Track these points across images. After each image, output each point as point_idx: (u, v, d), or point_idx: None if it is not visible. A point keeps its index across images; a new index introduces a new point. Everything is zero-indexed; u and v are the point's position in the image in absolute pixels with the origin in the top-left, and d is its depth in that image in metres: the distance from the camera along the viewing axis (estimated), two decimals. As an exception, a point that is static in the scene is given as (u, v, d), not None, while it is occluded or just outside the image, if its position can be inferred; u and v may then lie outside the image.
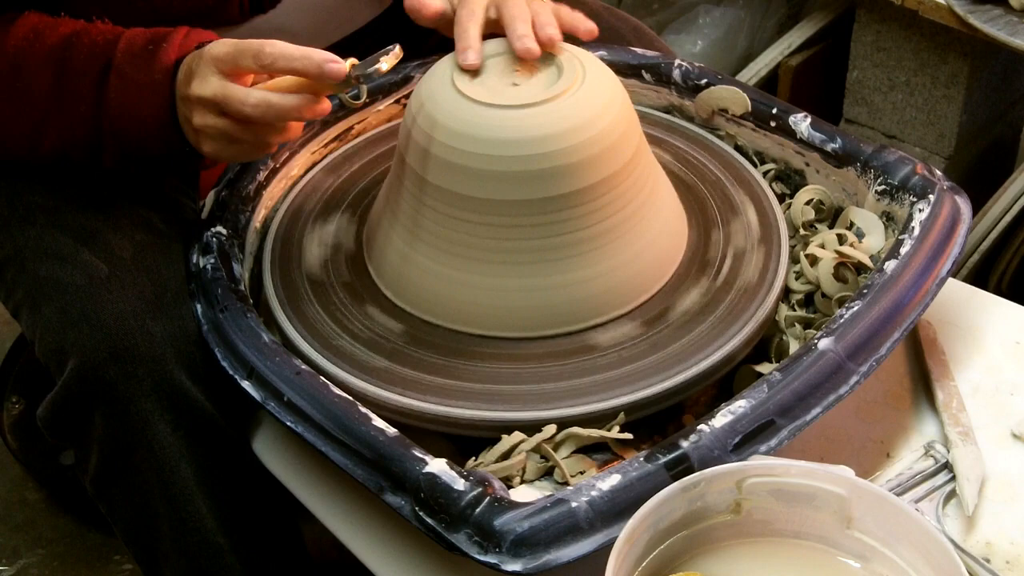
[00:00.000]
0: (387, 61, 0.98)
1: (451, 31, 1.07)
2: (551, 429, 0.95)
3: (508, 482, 0.94)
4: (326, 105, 1.01)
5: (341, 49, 1.30)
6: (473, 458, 0.96)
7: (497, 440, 0.96)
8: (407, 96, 1.09)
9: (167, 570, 1.10)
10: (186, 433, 1.03)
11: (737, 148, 1.21)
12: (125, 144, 1.06)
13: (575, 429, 0.94)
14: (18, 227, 1.12)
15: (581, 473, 0.94)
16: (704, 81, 1.22)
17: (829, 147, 1.13)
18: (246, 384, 0.97)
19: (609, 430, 0.95)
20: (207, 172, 1.25)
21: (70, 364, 1.02)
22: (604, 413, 0.95)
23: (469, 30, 1.04)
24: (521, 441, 0.94)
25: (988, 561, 0.93)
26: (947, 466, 1.00)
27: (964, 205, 1.07)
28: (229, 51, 0.99)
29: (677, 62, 1.24)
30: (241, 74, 1.00)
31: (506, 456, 0.95)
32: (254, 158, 1.11)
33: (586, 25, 1.09)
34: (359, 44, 1.32)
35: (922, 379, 1.08)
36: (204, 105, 1.00)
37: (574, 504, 0.83)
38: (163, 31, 1.05)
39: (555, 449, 0.94)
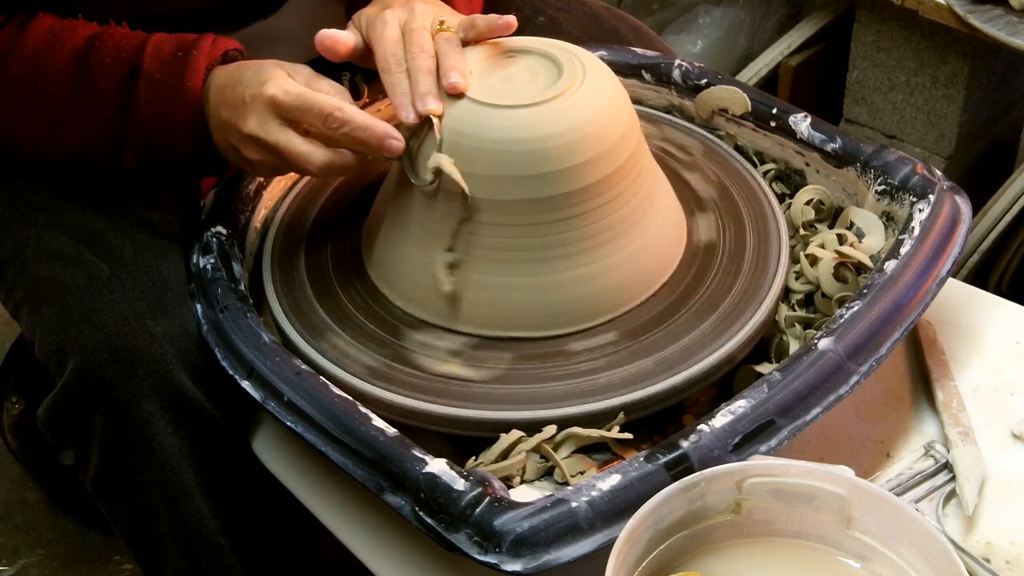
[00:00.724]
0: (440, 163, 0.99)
1: (366, 62, 1.05)
2: (551, 429, 0.95)
3: (508, 482, 0.94)
4: (373, 165, 1.03)
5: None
6: (473, 458, 0.96)
7: (497, 440, 0.96)
8: (407, 96, 1.09)
9: (167, 570, 1.10)
10: (187, 433, 1.03)
11: (737, 148, 1.21)
12: (151, 147, 1.07)
13: (575, 429, 0.94)
14: (19, 227, 1.12)
15: (581, 473, 0.94)
16: (704, 81, 1.22)
17: (829, 147, 1.13)
18: (246, 384, 0.97)
19: (609, 430, 0.95)
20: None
21: (70, 364, 1.02)
22: (604, 413, 0.95)
23: (399, 84, 1.00)
24: (520, 439, 0.94)
25: (988, 561, 0.93)
26: (947, 466, 1.00)
27: (964, 205, 1.07)
28: (295, 104, 0.98)
29: (677, 62, 1.24)
30: (302, 124, 1.00)
31: (505, 455, 0.95)
32: None
33: (504, 22, 1.04)
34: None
35: (922, 379, 1.08)
36: (262, 146, 1.01)
37: (574, 504, 0.83)
38: (190, 38, 1.06)
39: (555, 449, 0.94)
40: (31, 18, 1.07)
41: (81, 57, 1.05)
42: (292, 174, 1.20)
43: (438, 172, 0.98)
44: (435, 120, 0.98)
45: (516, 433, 0.95)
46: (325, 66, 1.26)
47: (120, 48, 1.05)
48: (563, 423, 0.95)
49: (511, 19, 1.04)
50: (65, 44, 1.05)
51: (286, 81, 1.00)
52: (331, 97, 0.99)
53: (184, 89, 1.04)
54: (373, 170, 1.07)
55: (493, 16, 1.04)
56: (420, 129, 1.00)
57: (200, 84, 1.04)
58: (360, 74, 1.22)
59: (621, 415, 0.95)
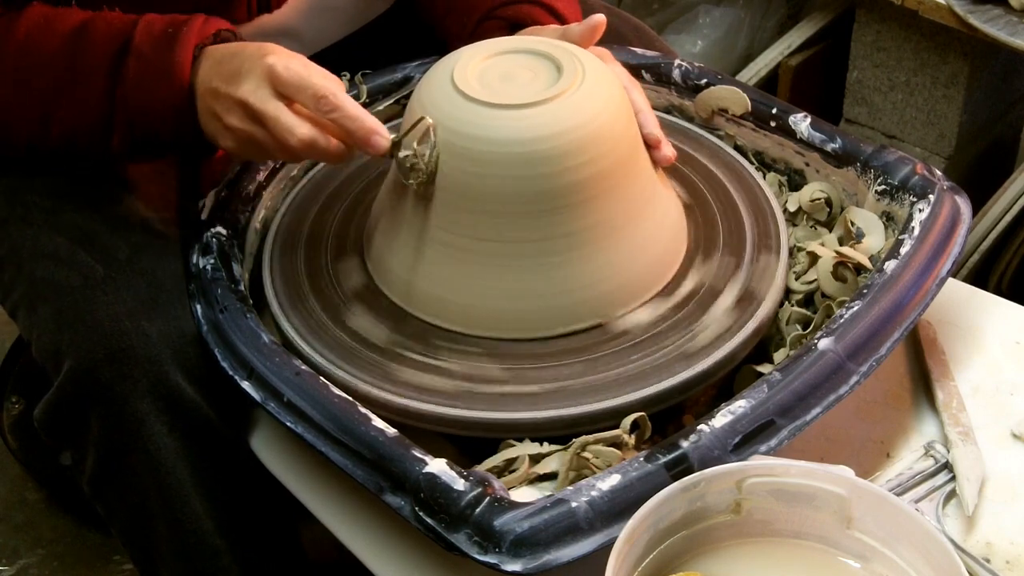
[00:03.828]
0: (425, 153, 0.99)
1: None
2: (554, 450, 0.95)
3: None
4: (351, 157, 1.02)
5: (345, 48, 1.31)
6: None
7: (497, 441, 0.96)
8: (407, 96, 1.09)
9: (164, 571, 1.10)
10: (182, 434, 1.03)
11: (737, 148, 1.21)
12: (136, 127, 1.06)
13: (584, 437, 0.94)
14: (16, 227, 1.12)
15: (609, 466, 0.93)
16: (704, 81, 1.22)
17: (829, 147, 1.13)
18: (246, 385, 0.97)
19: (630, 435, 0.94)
20: (207, 171, 1.25)
21: (66, 365, 1.02)
22: (604, 413, 0.95)
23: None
24: (549, 452, 0.94)
25: (988, 561, 0.93)
26: (947, 466, 0.99)
27: (964, 205, 1.07)
28: (292, 80, 0.98)
29: (677, 62, 1.24)
30: (293, 101, 1.00)
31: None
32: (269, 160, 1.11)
33: (592, 25, 1.09)
34: (363, 43, 1.32)
35: (922, 379, 1.08)
36: (248, 113, 1.00)
37: (574, 504, 0.83)
38: (181, 17, 1.05)
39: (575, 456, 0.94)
40: (25, 6, 1.06)
41: (73, 38, 1.04)
42: (293, 174, 1.20)
43: (432, 174, 0.99)
44: (428, 121, 0.98)
45: (532, 446, 0.95)
46: (327, 66, 1.26)
47: (112, 27, 1.05)
48: (563, 424, 0.95)
49: (598, 20, 1.08)
50: (58, 27, 1.05)
51: (288, 58, 1.00)
52: (328, 81, 1.00)
53: (172, 63, 1.03)
54: (348, 161, 1.06)
55: (583, 24, 1.09)
56: (411, 130, 1.00)
57: (189, 60, 1.03)
58: (360, 74, 1.23)
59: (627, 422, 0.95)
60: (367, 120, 0.99)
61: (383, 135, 0.99)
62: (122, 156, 1.09)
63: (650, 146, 1.07)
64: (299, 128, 0.99)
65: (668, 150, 1.08)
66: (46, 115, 1.06)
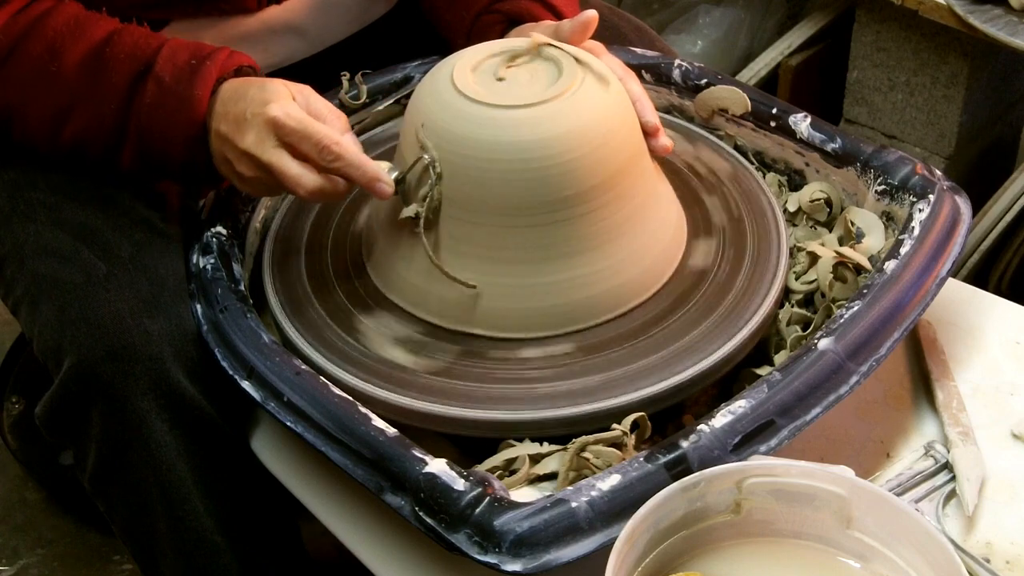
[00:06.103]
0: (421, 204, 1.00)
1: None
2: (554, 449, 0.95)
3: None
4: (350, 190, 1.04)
5: (349, 46, 1.32)
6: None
7: (497, 441, 0.96)
8: (407, 96, 1.09)
9: (165, 568, 1.10)
10: (183, 432, 1.03)
11: (737, 148, 1.21)
12: (147, 149, 1.07)
13: (584, 438, 0.94)
14: (19, 223, 1.12)
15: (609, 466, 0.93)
16: (704, 81, 1.22)
17: (829, 147, 1.13)
18: (246, 384, 0.97)
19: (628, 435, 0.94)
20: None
21: (67, 362, 1.02)
22: (605, 413, 0.95)
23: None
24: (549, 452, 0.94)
25: (988, 561, 0.93)
26: (947, 466, 1.00)
27: (964, 205, 1.07)
28: (295, 128, 1.00)
29: (677, 62, 1.24)
30: (297, 149, 1.01)
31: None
32: None
33: (584, 22, 1.09)
34: (365, 43, 1.32)
35: (922, 379, 1.08)
36: (256, 164, 1.02)
37: (574, 504, 0.83)
38: (206, 48, 1.06)
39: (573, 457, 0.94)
40: (58, 4, 1.07)
41: (98, 49, 1.05)
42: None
43: (436, 208, 1.00)
44: (426, 159, 0.99)
45: (532, 446, 0.95)
46: (330, 64, 1.27)
47: (137, 46, 1.06)
48: (564, 423, 0.95)
49: (590, 16, 1.08)
50: (85, 34, 1.06)
51: (289, 104, 1.01)
52: (330, 129, 1.01)
53: (191, 97, 1.04)
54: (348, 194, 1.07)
55: (574, 20, 1.08)
56: (415, 166, 1.01)
57: (208, 95, 1.04)
58: (360, 74, 1.23)
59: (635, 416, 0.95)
60: (368, 168, 1.00)
61: (385, 181, 1.01)
62: (131, 174, 1.10)
63: (647, 134, 1.07)
64: (304, 179, 1.00)
65: (665, 140, 1.08)
66: (60, 117, 1.07)
